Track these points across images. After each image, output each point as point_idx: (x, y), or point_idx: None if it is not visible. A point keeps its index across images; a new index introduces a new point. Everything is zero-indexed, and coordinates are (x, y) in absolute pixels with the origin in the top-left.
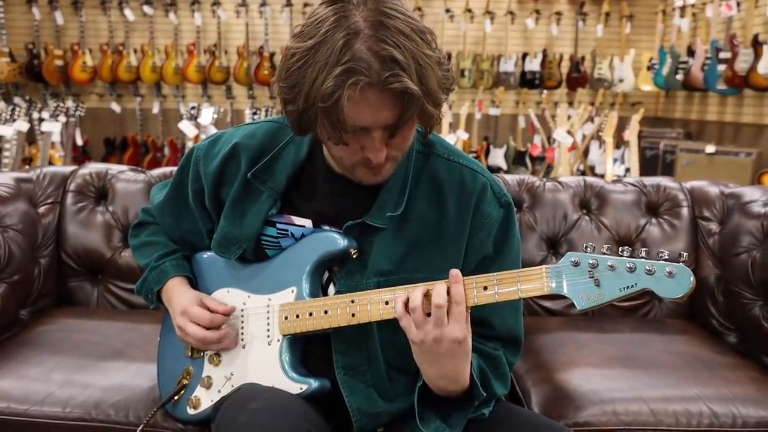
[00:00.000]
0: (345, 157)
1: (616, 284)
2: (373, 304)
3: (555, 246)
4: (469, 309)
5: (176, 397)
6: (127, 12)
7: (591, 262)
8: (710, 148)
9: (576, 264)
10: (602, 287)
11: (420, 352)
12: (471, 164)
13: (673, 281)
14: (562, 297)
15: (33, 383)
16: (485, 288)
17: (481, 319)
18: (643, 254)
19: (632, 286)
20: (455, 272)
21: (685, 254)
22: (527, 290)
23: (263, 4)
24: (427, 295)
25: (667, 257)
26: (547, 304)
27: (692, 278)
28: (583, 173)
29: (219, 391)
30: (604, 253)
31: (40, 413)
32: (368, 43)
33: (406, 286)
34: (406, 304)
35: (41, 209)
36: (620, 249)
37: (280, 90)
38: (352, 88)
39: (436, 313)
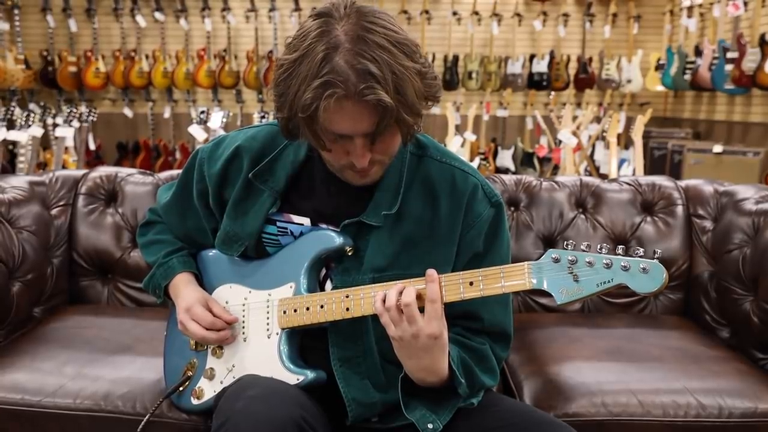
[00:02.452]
0: (332, 160)
1: (594, 280)
2: (366, 299)
3: (551, 244)
4: (443, 305)
5: (181, 388)
6: (139, 18)
7: (570, 258)
8: (718, 148)
9: (556, 260)
10: (580, 282)
11: (399, 347)
12: (462, 166)
13: (647, 277)
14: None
15: (46, 376)
16: (471, 283)
17: (470, 313)
18: (620, 251)
19: (608, 282)
20: (431, 272)
21: (659, 251)
22: (510, 286)
23: (272, 9)
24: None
25: (642, 254)
26: (543, 300)
27: (665, 274)
28: (589, 174)
29: (221, 382)
30: (583, 250)
31: (52, 404)
32: (346, 57)
33: (399, 282)
34: (384, 301)
35: (54, 211)
36: (599, 246)
37: (273, 97)
38: (328, 99)
39: (406, 311)
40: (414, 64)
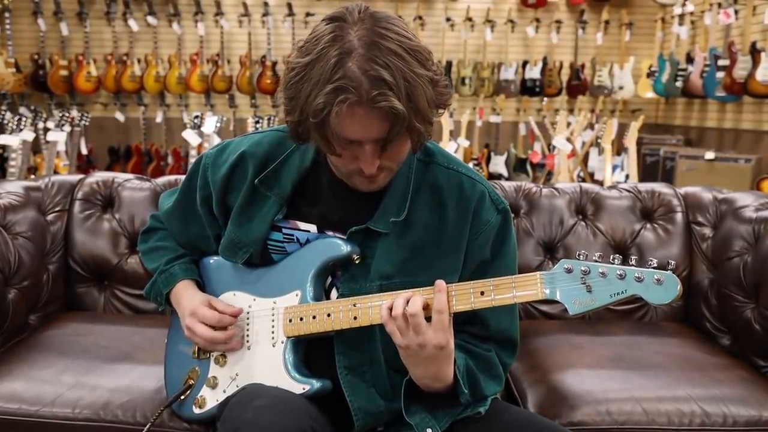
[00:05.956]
0: (341, 165)
1: (607, 290)
2: (375, 308)
3: (551, 251)
4: (451, 315)
5: (182, 397)
6: (132, 22)
7: (583, 269)
8: (710, 155)
9: (569, 271)
10: (594, 293)
11: (406, 356)
12: (469, 173)
13: (661, 288)
14: (557, 302)
15: (43, 385)
16: (482, 293)
17: (477, 319)
18: (633, 262)
19: (622, 293)
20: (440, 282)
21: (673, 262)
22: (522, 296)
23: (266, 14)
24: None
25: (656, 265)
26: (544, 308)
27: (679, 286)
28: (583, 180)
29: (224, 391)
30: (596, 261)
31: (50, 414)
32: (359, 63)
33: (407, 291)
34: (391, 309)
35: (50, 217)
36: (612, 257)
37: (283, 100)
38: (340, 105)
39: (413, 321)
40: (426, 72)
